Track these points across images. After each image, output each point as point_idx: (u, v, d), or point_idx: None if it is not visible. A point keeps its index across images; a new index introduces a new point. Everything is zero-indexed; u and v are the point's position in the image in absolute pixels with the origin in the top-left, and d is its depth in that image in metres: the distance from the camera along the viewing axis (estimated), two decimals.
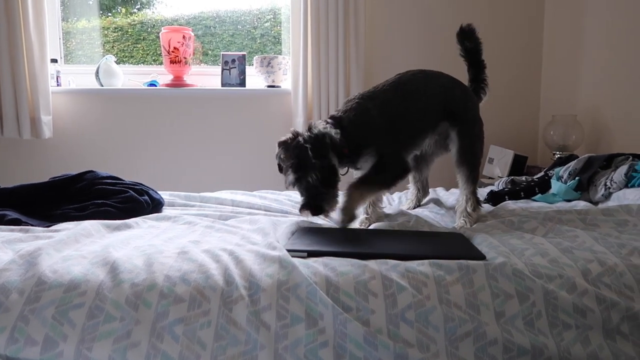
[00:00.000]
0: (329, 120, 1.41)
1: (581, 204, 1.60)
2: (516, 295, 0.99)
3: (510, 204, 1.69)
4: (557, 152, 2.51)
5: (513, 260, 1.06)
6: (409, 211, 1.66)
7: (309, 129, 1.37)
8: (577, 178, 1.74)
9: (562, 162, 1.99)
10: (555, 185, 1.77)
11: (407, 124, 1.46)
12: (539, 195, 1.79)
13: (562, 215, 1.43)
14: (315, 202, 1.34)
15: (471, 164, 1.52)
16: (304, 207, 1.35)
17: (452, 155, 1.55)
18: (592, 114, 2.56)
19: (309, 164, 1.31)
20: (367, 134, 1.40)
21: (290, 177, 1.34)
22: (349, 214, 1.35)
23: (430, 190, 1.86)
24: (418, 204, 1.76)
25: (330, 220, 1.44)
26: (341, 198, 1.39)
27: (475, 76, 1.69)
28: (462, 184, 1.52)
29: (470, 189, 1.50)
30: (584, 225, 1.35)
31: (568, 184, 1.73)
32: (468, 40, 1.66)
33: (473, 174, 1.52)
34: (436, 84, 1.54)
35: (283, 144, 1.39)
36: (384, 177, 1.39)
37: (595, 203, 1.65)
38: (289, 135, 1.40)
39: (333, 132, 1.35)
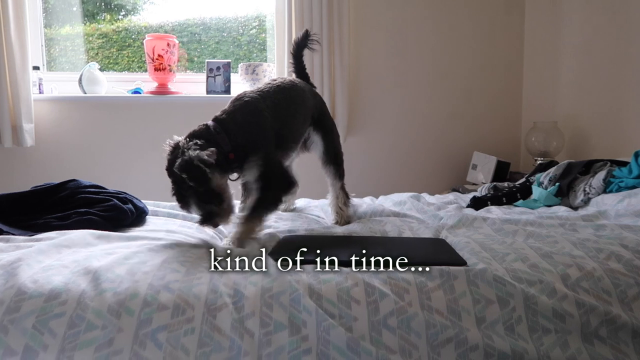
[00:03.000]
0: (211, 124, 1.33)
1: (561, 210, 1.63)
2: (497, 300, 1.00)
3: (492, 209, 1.72)
4: (539, 158, 2.55)
5: (494, 266, 1.08)
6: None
7: (180, 150, 1.25)
8: (557, 184, 1.77)
9: (542, 168, 2.03)
10: (536, 191, 1.80)
11: (292, 128, 1.49)
12: (521, 201, 1.82)
13: (542, 220, 1.45)
14: (208, 221, 1.30)
15: (336, 162, 1.63)
16: (201, 223, 1.31)
17: (318, 156, 1.64)
18: (571, 121, 2.62)
19: (187, 192, 1.25)
20: (256, 137, 1.36)
21: (178, 204, 1.30)
22: (241, 244, 1.29)
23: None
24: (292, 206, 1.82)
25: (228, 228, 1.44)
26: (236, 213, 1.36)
27: (308, 81, 1.71)
28: (331, 180, 1.62)
29: (339, 185, 1.61)
30: (563, 230, 1.38)
31: (548, 189, 1.77)
32: (303, 46, 1.71)
33: (339, 171, 1.63)
34: (307, 92, 1.60)
35: (168, 156, 1.30)
36: (273, 199, 1.37)
37: (575, 208, 1.68)
38: (168, 148, 1.31)
39: (204, 154, 1.22)
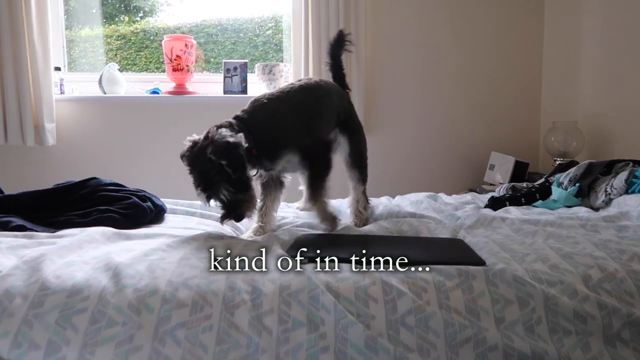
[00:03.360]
0: (233, 122, 1.34)
1: (582, 210, 1.61)
2: (516, 301, 0.99)
3: (511, 209, 1.70)
4: (558, 159, 2.51)
5: (513, 266, 1.06)
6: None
7: (208, 137, 1.26)
8: (577, 184, 1.74)
9: (562, 168, 2.00)
10: (556, 192, 1.78)
11: (314, 129, 1.48)
12: (540, 201, 1.80)
13: (562, 221, 1.43)
14: (235, 212, 1.28)
15: (361, 166, 1.63)
16: (226, 217, 1.29)
17: (343, 159, 1.63)
18: (592, 121, 2.57)
19: (216, 179, 1.24)
20: (282, 134, 1.37)
21: (202, 196, 1.27)
22: (329, 220, 1.36)
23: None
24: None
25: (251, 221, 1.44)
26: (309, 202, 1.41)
27: (342, 83, 1.74)
28: (354, 184, 1.61)
29: (361, 189, 1.61)
30: (584, 231, 1.35)
31: (568, 190, 1.74)
32: (345, 45, 1.72)
33: (363, 175, 1.63)
34: (334, 93, 1.60)
35: (185, 157, 1.31)
36: (320, 173, 1.40)
37: (596, 209, 1.65)
38: (188, 144, 1.31)
39: (242, 139, 1.25)
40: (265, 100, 1.41)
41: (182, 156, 1.32)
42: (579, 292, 1.01)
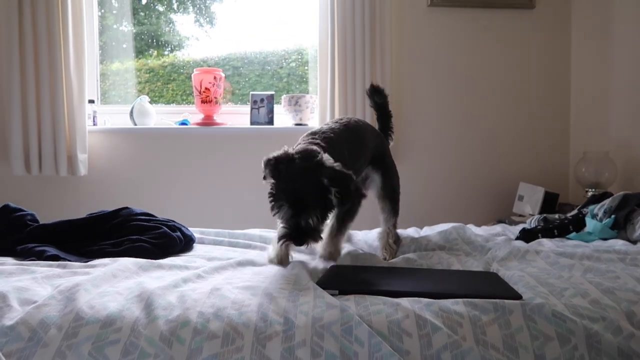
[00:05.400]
0: (315, 148, 1.31)
1: (619, 243, 1.56)
2: (557, 337, 0.95)
3: (544, 242, 1.65)
4: (590, 190, 2.45)
5: (552, 301, 1.03)
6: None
7: (310, 158, 1.23)
8: (613, 216, 1.69)
9: (596, 199, 1.95)
10: (591, 224, 1.73)
11: (357, 164, 1.52)
12: (574, 233, 1.75)
13: (600, 254, 1.39)
14: (306, 238, 1.23)
15: (393, 199, 1.65)
16: (287, 237, 1.23)
17: (375, 192, 1.66)
18: (624, 150, 2.52)
19: (313, 203, 1.20)
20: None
21: (283, 210, 1.22)
22: (336, 255, 1.39)
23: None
24: None
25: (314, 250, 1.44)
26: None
27: (384, 125, 1.85)
28: (385, 216, 1.63)
29: (392, 222, 1.62)
30: (623, 265, 1.31)
31: (604, 222, 1.69)
32: (377, 95, 1.82)
33: (395, 207, 1.64)
34: (370, 132, 1.66)
35: (278, 164, 1.25)
36: (351, 212, 1.42)
37: (633, 242, 1.60)
38: (281, 153, 1.26)
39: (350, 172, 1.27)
40: (331, 134, 1.43)
41: (276, 162, 1.25)
42: (624, 329, 0.97)
